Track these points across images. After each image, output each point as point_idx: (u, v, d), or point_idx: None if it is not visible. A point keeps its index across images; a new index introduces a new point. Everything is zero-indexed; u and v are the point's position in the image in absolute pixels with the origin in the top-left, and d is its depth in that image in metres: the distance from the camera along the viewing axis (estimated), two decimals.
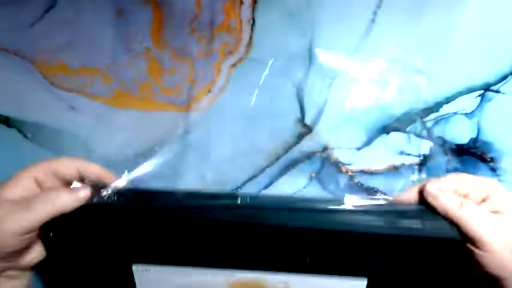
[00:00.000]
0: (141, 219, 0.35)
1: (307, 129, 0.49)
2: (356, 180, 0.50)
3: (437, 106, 0.48)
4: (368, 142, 0.49)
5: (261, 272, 0.37)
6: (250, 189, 0.51)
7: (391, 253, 0.35)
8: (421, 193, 0.32)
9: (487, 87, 0.48)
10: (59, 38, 0.47)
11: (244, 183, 0.51)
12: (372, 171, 0.50)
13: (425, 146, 0.48)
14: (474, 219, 0.28)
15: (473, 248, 0.29)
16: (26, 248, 0.33)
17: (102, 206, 0.35)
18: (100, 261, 0.38)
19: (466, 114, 0.48)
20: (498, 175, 0.48)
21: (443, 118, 0.48)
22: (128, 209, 0.35)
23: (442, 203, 0.30)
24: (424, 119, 0.48)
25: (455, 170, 0.48)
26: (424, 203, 0.32)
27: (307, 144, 0.49)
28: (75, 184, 0.35)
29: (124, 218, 0.35)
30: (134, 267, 0.38)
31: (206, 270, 0.37)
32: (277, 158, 0.50)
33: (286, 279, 0.37)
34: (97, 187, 0.35)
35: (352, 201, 0.34)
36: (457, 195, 0.31)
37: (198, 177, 0.50)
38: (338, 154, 0.50)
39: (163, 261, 0.37)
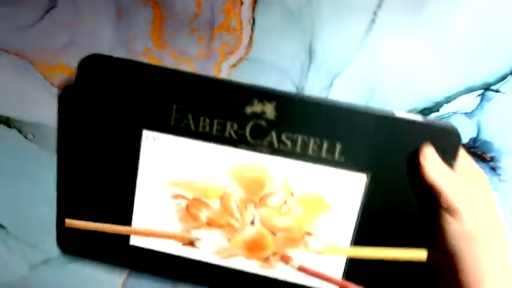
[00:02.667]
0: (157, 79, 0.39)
1: None
2: None
3: (437, 106, 0.48)
4: None
5: (262, 155, 0.40)
6: None
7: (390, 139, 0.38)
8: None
9: (487, 87, 0.48)
10: (59, 38, 0.47)
11: None
12: None
13: None
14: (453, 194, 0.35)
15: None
16: None
17: (126, 61, 0.40)
18: (113, 119, 0.40)
19: (466, 113, 0.48)
20: (498, 174, 0.48)
21: (444, 118, 0.48)
22: (149, 67, 0.40)
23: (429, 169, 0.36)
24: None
25: None
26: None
27: None
28: None
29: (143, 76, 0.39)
30: (144, 133, 0.40)
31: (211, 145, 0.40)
32: None
33: (287, 166, 0.40)
34: None
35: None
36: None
37: None
38: None
39: (173, 131, 0.40)
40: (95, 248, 0.43)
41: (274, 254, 0.41)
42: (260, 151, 0.39)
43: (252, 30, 0.48)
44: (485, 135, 0.48)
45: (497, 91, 0.48)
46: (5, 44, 0.47)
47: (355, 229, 0.40)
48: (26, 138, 0.47)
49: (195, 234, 0.42)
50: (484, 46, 0.48)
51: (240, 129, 0.39)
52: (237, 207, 0.41)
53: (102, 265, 0.48)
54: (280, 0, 0.47)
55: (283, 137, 0.39)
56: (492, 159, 0.48)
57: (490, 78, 0.48)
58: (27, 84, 0.47)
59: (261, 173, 0.40)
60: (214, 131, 0.39)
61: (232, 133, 0.39)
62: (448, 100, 0.48)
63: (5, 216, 0.47)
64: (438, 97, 0.48)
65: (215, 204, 0.41)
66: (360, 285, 0.41)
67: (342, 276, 0.41)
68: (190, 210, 0.41)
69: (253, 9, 0.48)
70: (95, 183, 0.42)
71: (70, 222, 0.43)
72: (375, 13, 0.48)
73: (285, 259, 0.41)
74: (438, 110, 0.48)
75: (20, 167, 0.47)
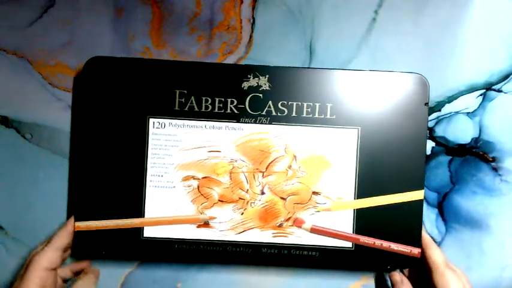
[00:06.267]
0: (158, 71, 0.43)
1: None
2: None
3: (438, 105, 0.48)
4: None
5: (263, 125, 0.43)
6: None
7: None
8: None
9: (488, 87, 0.48)
10: (58, 37, 0.47)
11: None
12: None
13: (427, 146, 0.47)
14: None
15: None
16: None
17: (126, 59, 0.43)
18: (120, 112, 0.43)
19: (468, 113, 0.48)
20: (500, 175, 0.47)
21: (445, 117, 0.48)
22: (148, 61, 0.43)
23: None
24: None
25: (457, 170, 0.48)
26: None
27: None
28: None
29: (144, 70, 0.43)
30: (150, 121, 0.43)
31: (215, 123, 0.43)
32: None
33: (287, 132, 0.43)
34: None
35: None
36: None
37: None
38: None
39: (178, 114, 0.43)
40: (107, 247, 0.43)
41: (287, 220, 0.44)
42: (261, 121, 0.43)
43: (252, 29, 0.47)
44: (487, 135, 0.47)
45: (499, 91, 0.48)
46: (2, 44, 0.47)
47: (356, 182, 0.43)
48: (24, 138, 0.47)
49: (208, 213, 0.43)
50: (486, 45, 0.47)
51: (240, 104, 0.43)
52: (246, 178, 0.43)
53: (101, 265, 0.47)
54: None
55: (279, 105, 0.43)
56: (494, 159, 0.47)
57: (492, 78, 0.48)
58: (26, 83, 0.47)
59: (264, 142, 0.43)
60: (216, 109, 0.43)
61: (234, 108, 0.43)
62: (449, 100, 0.47)
63: (3, 216, 0.47)
64: (440, 96, 0.47)
65: (225, 180, 0.43)
66: (370, 233, 0.43)
67: (353, 229, 0.43)
68: (202, 189, 0.43)
69: (253, 8, 0.47)
70: (105, 178, 0.43)
71: (79, 225, 0.43)
72: (376, 12, 0.47)
73: (298, 222, 0.44)
74: (440, 110, 0.47)
75: (18, 166, 0.47)
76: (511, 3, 0.47)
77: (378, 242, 0.43)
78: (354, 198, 0.43)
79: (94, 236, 0.43)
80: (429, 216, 0.48)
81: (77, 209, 0.43)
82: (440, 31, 0.47)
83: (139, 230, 0.43)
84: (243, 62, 0.47)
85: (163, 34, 0.47)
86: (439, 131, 0.48)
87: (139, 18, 0.47)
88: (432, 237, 0.47)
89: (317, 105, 0.43)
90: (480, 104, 0.48)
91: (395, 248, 0.43)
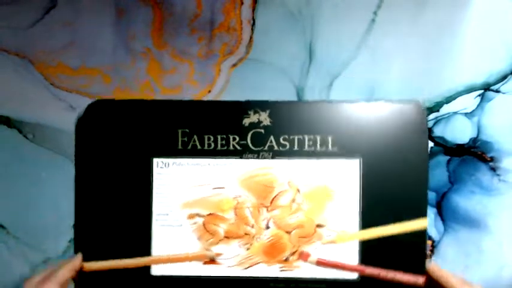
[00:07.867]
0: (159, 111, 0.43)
1: None
2: None
3: (437, 106, 0.48)
4: None
5: (265, 160, 0.43)
6: None
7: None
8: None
9: (487, 87, 0.48)
10: (59, 38, 0.47)
11: None
12: None
13: None
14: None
15: None
16: None
17: (125, 101, 0.43)
18: (123, 153, 0.43)
19: (466, 114, 0.48)
20: (498, 175, 0.48)
21: (444, 118, 0.48)
22: (147, 102, 0.43)
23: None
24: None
25: (455, 170, 0.48)
26: None
27: None
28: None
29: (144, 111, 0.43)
30: (154, 161, 0.43)
31: (218, 159, 0.43)
32: None
33: (289, 166, 0.43)
34: None
35: None
36: None
37: None
38: None
39: (181, 153, 0.43)
40: (116, 286, 0.43)
41: (293, 253, 0.43)
42: (263, 157, 0.43)
43: (252, 30, 0.48)
44: (485, 136, 0.48)
45: (497, 91, 0.48)
46: (4, 44, 0.47)
47: (360, 212, 0.43)
48: (26, 138, 0.47)
49: (214, 250, 0.43)
50: (484, 46, 0.48)
51: (242, 140, 0.43)
52: (251, 214, 0.43)
53: None
54: (280, 0, 0.47)
55: (281, 140, 0.43)
56: (492, 159, 0.48)
57: (490, 79, 0.48)
58: (27, 84, 0.47)
59: (268, 177, 0.43)
60: (219, 147, 0.43)
61: (236, 145, 0.43)
62: (448, 100, 0.48)
63: (5, 216, 0.47)
64: (438, 97, 0.48)
65: (230, 216, 0.43)
66: (375, 264, 0.43)
67: (358, 260, 0.43)
68: (207, 226, 0.43)
69: (253, 10, 0.48)
70: (112, 218, 0.43)
71: (89, 265, 0.43)
72: (375, 13, 0.48)
73: (304, 256, 0.43)
74: (438, 110, 0.48)
75: (20, 166, 0.47)
76: (510, 4, 0.48)
77: (383, 273, 0.43)
78: (359, 229, 0.43)
79: (103, 275, 0.43)
80: (428, 216, 0.48)
81: (84, 248, 0.44)
82: (439, 32, 0.47)
83: (148, 268, 0.44)
84: (243, 63, 0.47)
85: (164, 35, 0.47)
86: (438, 131, 0.48)
87: (140, 19, 0.47)
88: (430, 237, 0.48)
89: (318, 137, 0.43)
90: (478, 105, 0.48)
91: (400, 278, 0.43)
